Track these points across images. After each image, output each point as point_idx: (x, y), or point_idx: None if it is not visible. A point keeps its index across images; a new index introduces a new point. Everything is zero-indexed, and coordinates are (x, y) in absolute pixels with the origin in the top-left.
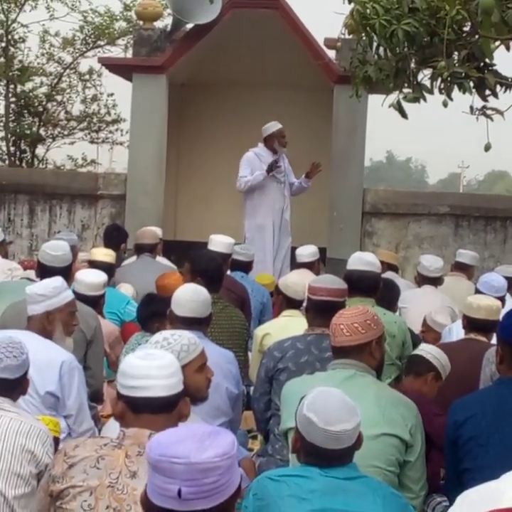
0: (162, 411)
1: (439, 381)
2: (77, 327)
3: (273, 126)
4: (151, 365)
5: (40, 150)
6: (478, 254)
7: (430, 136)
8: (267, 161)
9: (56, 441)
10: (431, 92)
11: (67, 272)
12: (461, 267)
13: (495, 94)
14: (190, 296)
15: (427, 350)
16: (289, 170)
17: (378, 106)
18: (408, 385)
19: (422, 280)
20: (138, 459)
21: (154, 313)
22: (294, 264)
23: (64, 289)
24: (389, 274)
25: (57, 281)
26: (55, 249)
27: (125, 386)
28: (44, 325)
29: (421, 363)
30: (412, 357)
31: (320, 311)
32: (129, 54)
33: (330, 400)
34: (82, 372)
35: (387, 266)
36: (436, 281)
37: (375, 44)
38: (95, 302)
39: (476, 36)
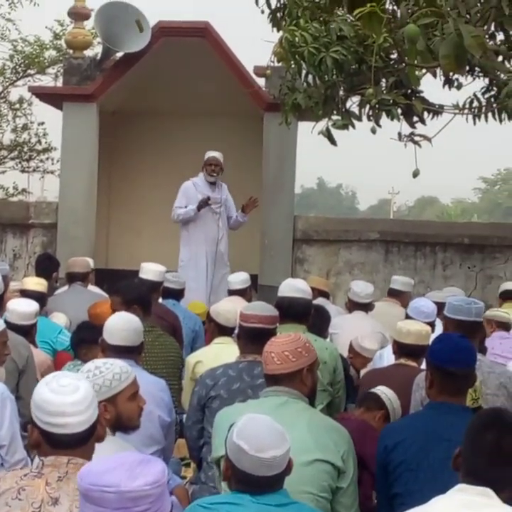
0: (79, 445)
1: (386, 422)
2: (8, 357)
3: (206, 155)
4: (65, 402)
5: None
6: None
7: (360, 162)
8: (203, 191)
9: None
10: (359, 118)
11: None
12: (394, 293)
13: (422, 121)
14: (122, 325)
15: (382, 390)
16: (228, 202)
17: (308, 133)
18: (356, 415)
19: (352, 306)
20: (58, 484)
21: (82, 340)
22: (227, 292)
23: None
24: (320, 301)
25: None
26: None
27: (39, 419)
28: None
29: (375, 400)
30: (367, 393)
31: (251, 338)
32: (59, 83)
33: (259, 427)
34: (14, 402)
35: (318, 292)
36: (366, 307)
37: (304, 72)
38: (27, 331)
39: (403, 64)
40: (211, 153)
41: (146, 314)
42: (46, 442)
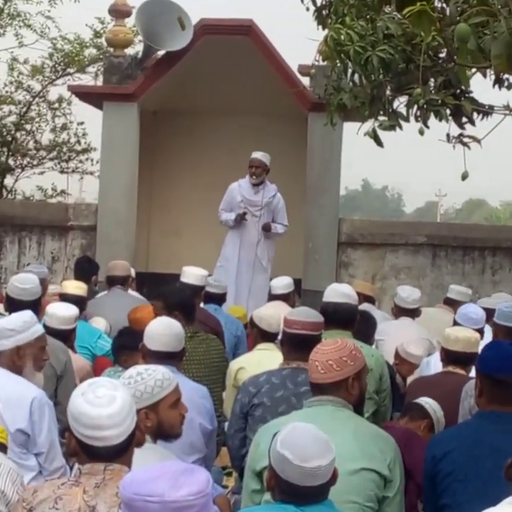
0: (117, 456)
1: (431, 432)
2: (47, 362)
3: (250, 155)
4: (101, 415)
5: (8, 180)
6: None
7: (407, 164)
8: (245, 193)
9: (3, 448)
10: (407, 119)
11: (36, 306)
12: (449, 302)
13: (472, 122)
14: (162, 330)
15: (426, 401)
16: (275, 205)
17: (354, 133)
18: (401, 424)
19: (398, 312)
20: (96, 491)
21: (123, 346)
22: (269, 296)
23: (34, 323)
24: (365, 306)
25: (27, 315)
26: (23, 282)
27: (76, 430)
28: (14, 360)
29: (419, 409)
30: (411, 404)
31: (295, 344)
32: (100, 82)
33: (304, 436)
34: (52, 408)
35: (363, 297)
36: (413, 313)
37: (349, 71)
38: (66, 336)
39: (452, 63)
40: (254, 154)
41: (188, 320)
42: (83, 452)
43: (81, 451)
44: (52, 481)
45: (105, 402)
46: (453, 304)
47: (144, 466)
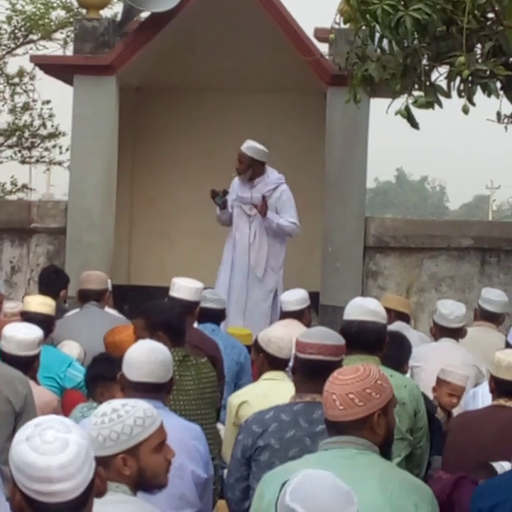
0: None
1: None
2: (2, 396)
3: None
4: (51, 465)
5: None
6: (509, 297)
7: (450, 150)
8: (237, 189)
9: None
10: (448, 94)
11: None
12: (486, 316)
13: None
14: (146, 357)
15: (502, 465)
16: (274, 200)
17: (384, 112)
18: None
19: (439, 332)
20: None
21: (98, 376)
22: (281, 314)
23: None
24: (398, 325)
25: None
26: None
27: (22, 484)
28: None
29: (489, 471)
30: (481, 464)
31: (310, 372)
32: (69, 51)
33: (319, 486)
34: None
35: (395, 314)
36: (457, 333)
37: (377, 35)
38: (28, 364)
39: (502, 26)
40: (241, 146)
41: (175, 343)
42: (31, 510)
43: (28, 508)
44: None
45: (55, 449)
46: (492, 317)
47: None
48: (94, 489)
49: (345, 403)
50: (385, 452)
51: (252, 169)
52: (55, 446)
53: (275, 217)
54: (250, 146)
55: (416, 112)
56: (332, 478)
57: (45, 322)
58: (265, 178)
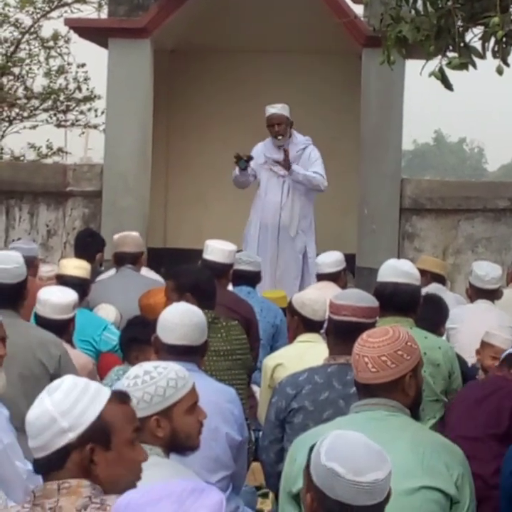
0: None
1: None
2: (36, 359)
3: (265, 112)
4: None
5: None
6: None
7: (488, 111)
8: (266, 152)
9: None
10: (482, 56)
11: (19, 291)
12: None
13: None
14: (180, 319)
15: None
16: (304, 159)
17: (421, 74)
18: None
19: (475, 293)
20: None
21: (133, 339)
22: (316, 276)
23: None
24: (434, 287)
25: None
26: (3, 261)
27: None
28: None
29: None
30: None
31: (344, 334)
32: (104, 14)
33: (353, 445)
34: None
35: (431, 276)
36: (493, 295)
37: None
38: (63, 328)
39: None
40: (271, 110)
41: (203, 305)
42: None
43: None
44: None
45: (34, 405)
46: None
47: (146, 486)
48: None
49: (378, 365)
50: (415, 413)
51: (289, 129)
52: (35, 403)
53: (300, 170)
54: (283, 106)
55: (450, 73)
56: (363, 438)
57: (80, 285)
58: (293, 139)
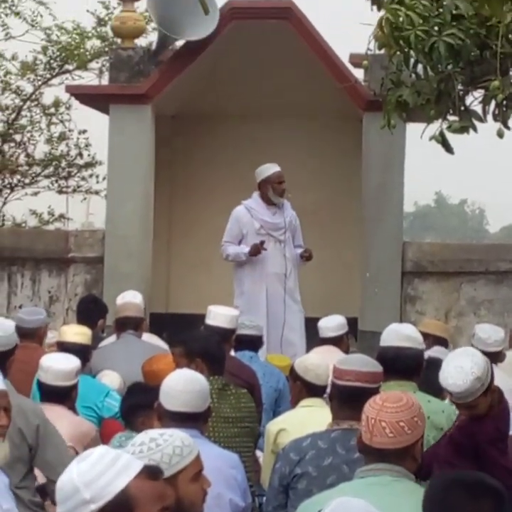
0: None
1: None
2: (15, 428)
3: (267, 170)
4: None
5: None
6: None
7: (488, 173)
8: (260, 215)
9: None
10: (482, 119)
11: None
12: None
13: None
14: (183, 386)
15: None
16: (294, 225)
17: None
18: None
19: None
20: None
21: (138, 405)
22: (317, 340)
23: None
24: (436, 350)
25: None
26: None
27: None
28: None
29: None
30: None
31: (347, 399)
32: (105, 80)
33: None
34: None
35: (433, 339)
36: (495, 357)
37: (411, 61)
38: (66, 394)
39: None
40: (275, 168)
41: (213, 371)
42: None
43: None
44: None
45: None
46: None
47: None
48: None
49: (396, 431)
50: (418, 478)
51: None
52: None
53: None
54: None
55: (451, 136)
56: (367, 506)
57: (81, 352)
58: (281, 202)
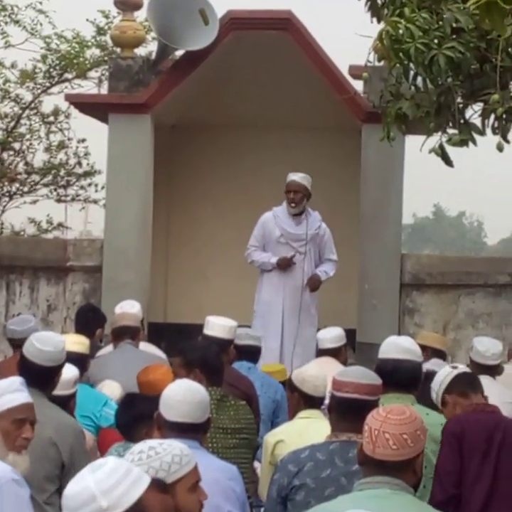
0: None
1: None
2: (51, 441)
3: (287, 178)
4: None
5: None
6: None
7: (487, 186)
8: (283, 225)
9: None
10: (482, 132)
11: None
12: None
13: None
14: (183, 397)
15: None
16: (321, 237)
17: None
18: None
19: (476, 369)
20: None
21: (140, 416)
22: (316, 352)
23: (11, 389)
24: (435, 363)
25: (11, 379)
26: (43, 342)
27: None
28: None
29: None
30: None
31: (346, 411)
32: (104, 89)
33: None
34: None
35: (432, 352)
36: (494, 370)
37: (411, 73)
38: (64, 403)
39: None
40: (291, 176)
41: (212, 381)
42: None
43: None
44: None
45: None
46: None
47: None
48: None
49: (399, 443)
50: (416, 491)
51: (306, 201)
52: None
53: (324, 275)
54: (305, 176)
55: (450, 149)
56: None
57: (78, 361)
58: (309, 213)
